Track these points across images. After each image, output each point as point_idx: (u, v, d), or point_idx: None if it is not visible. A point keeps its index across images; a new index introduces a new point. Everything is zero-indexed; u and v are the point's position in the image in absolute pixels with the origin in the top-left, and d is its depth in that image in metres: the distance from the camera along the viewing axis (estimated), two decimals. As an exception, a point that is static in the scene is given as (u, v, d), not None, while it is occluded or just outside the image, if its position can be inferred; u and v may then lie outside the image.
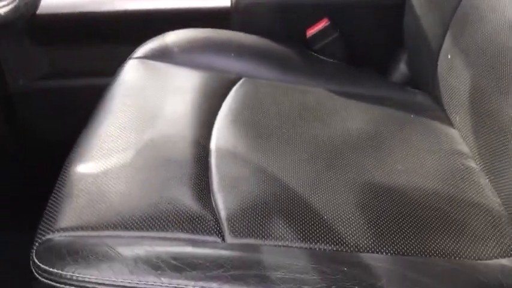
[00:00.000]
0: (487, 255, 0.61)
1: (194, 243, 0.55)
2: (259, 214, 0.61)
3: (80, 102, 0.91)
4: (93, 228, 0.57)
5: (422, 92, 0.93)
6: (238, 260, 0.52)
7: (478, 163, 0.74)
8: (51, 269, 0.52)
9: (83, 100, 0.89)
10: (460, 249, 0.61)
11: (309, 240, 0.59)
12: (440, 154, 0.76)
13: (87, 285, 0.51)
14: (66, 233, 0.57)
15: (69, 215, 0.59)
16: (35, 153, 1.13)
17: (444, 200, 0.67)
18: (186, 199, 0.62)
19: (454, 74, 0.79)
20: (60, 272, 0.51)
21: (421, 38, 0.86)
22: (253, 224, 0.60)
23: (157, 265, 0.51)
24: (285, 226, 0.60)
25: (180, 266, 0.51)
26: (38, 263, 0.53)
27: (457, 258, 0.60)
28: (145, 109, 0.77)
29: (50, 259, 0.53)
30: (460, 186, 0.70)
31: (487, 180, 0.72)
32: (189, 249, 0.54)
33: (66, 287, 0.51)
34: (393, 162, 0.73)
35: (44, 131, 1.12)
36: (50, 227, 0.58)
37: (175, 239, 0.56)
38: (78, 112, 0.83)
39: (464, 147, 0.78)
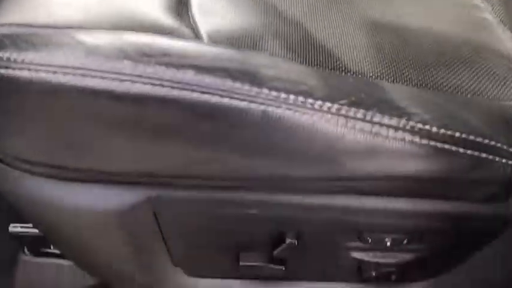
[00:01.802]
0: (509, 96, 0.53)
1: (169, 37, 0.45)
2: (248, 34, 0.51)
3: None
4: (45, 26, 0.46)
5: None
6: (221, 54, 0.42)
7: (496, 16, 0.65)
8: None
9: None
10: (482, 88, 0.53)
11: (307, 63, 0.50)
12: (457, 5, 0.66)
13: (30, 67, 0.40)
14: (12, 29, 0.46)
15: (17, 11, 0.48)
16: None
17: (462, 43, 0.58)
18: (159, 8, 0.51)
19: None
20: None
21: None
22: (241, 39, 0.49)
23: (122, 49, 0.40)
24: (279, 48, 0.50)
25: (149, 52, 0.40)
26: None
27: (480, 96, 0.52)
28: None
29: None
30: (480, 33, 0.61)
31: (508, 32, 0.63)
32: (162, 40, 0.43)
33: (2, 70, 0.40)
34: (404, 4, 0.63)
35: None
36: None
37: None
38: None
39: (481, 3, 0.68)
